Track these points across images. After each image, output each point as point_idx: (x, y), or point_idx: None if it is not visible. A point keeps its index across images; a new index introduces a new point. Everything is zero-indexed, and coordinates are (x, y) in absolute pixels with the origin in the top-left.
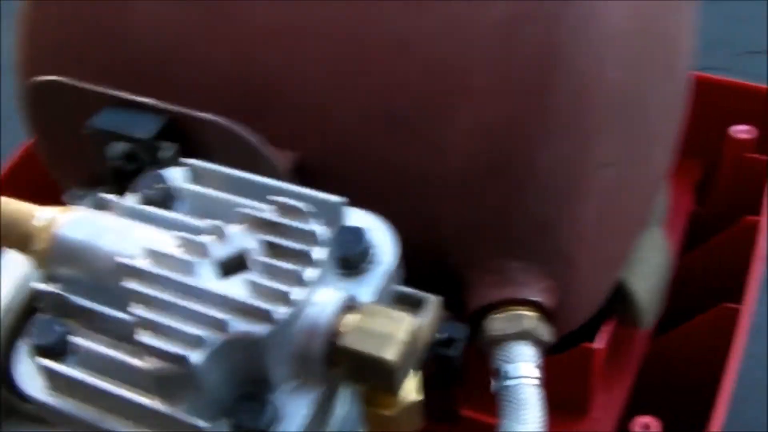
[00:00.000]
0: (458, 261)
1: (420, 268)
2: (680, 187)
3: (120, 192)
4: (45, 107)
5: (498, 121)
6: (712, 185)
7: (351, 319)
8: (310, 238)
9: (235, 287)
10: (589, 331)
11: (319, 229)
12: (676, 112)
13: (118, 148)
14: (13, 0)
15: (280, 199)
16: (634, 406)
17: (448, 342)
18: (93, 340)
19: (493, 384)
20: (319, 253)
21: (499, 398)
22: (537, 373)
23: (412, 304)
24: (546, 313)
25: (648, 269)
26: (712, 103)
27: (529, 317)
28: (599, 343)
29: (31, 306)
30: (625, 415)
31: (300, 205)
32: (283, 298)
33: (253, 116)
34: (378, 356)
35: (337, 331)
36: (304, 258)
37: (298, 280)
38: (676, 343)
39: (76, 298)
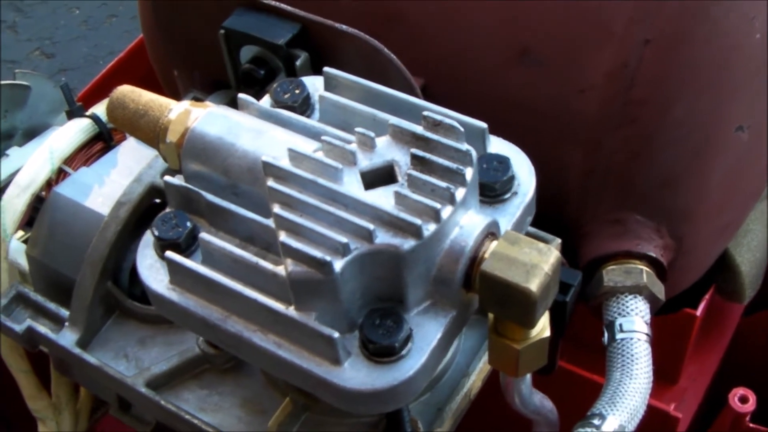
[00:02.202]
0: (578, 208)
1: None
2: None
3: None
4: (173, 6)
5: (638, 68)
6: None
7: (494, 245)
8: (464, 157)
9: (383, 198)
10: (687, 298)
11: (472, 150)
12: None
13: (250, 51)
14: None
15: (435, 115)
16: (719, 382)
17: (563, 287)
18: (221, 239)
19: (605, 336)
20: (470, 173)
21: (611, 351)
22: (647, 329)
23: None
24: (661, 270)
25: (754, 242)
26: None
27: (647, 272)
28: (701, 311)
29: (147, 201)
30: (712, 389)
31: (455, 123)
32: (433, 214)
33: (380, 38)
34: (523, 286)
35: (480, 255)
36: (456, 177)
37: (449, 198)
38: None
39: (209, 195)
